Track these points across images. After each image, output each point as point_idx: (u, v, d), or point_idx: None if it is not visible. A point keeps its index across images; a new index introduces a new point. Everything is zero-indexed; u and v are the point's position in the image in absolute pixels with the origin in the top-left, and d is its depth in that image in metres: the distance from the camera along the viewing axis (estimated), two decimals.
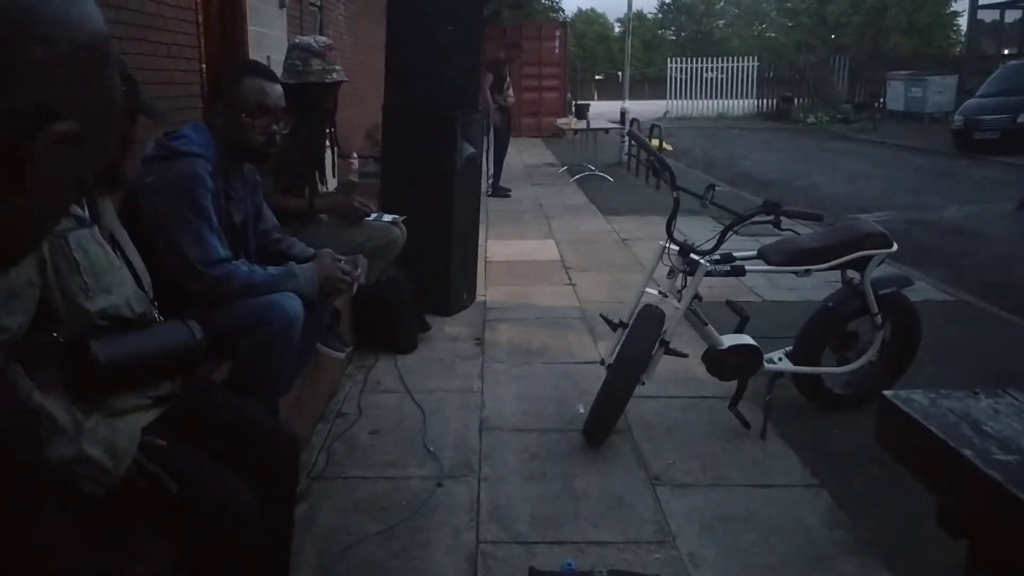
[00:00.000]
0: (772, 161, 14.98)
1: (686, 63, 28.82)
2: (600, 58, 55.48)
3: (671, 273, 3.27)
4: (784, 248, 3.35)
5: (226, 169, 2.46)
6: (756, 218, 3.14)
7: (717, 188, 3.29)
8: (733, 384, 3.36)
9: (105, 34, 0.61)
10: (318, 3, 8.18)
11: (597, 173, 11.44)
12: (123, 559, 1.65)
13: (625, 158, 12.68)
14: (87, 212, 1.72)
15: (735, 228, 3.19)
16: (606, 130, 13.10)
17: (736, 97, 28.55)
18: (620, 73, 21.94)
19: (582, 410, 3.46)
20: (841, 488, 2.89)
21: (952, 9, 43.02)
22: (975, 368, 4.09)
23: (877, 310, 3.39)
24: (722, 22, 62.39)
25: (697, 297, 3.21)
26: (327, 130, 3.76)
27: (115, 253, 1.78)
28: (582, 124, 12.94)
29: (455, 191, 4.70)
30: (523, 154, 14.48)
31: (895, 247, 3.37)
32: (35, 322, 1.50)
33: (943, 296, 5.44)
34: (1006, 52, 24.25)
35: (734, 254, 3.27)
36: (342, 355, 3.52)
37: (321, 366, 3.44)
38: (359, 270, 2.74)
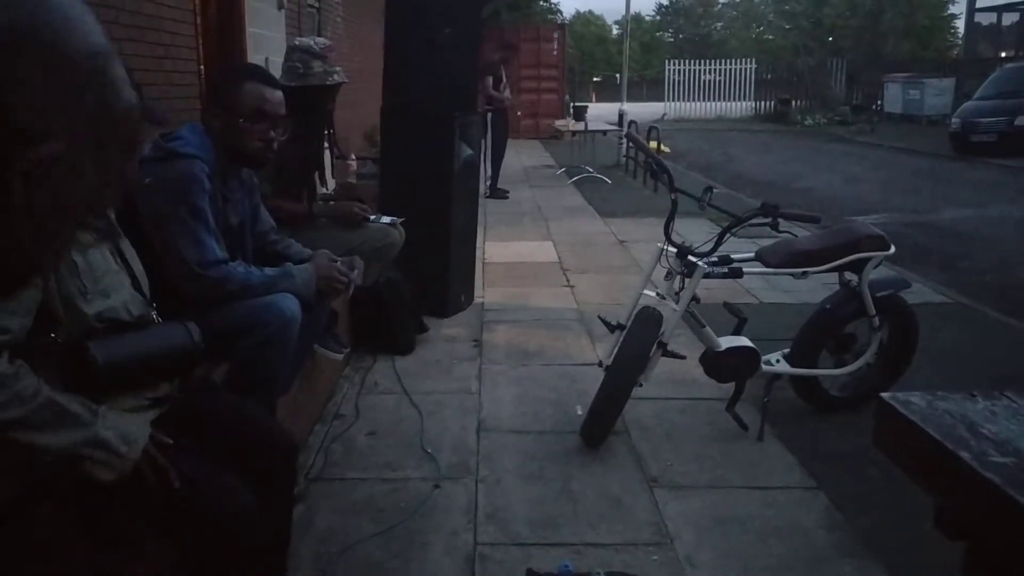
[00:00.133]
0: (770, 163, 15.00)
1: (684, 65, 28.86)
2: (598, 60, 55.56)
3: (669, 275, 3.28)
4: (782, 250, 3.36)
5: (223, 171, 2.46)
6: (754, 220, 3.14)
7: (715, 190, 3.29)
8: (731, 386, 3.36)
9: (105, 52, 0.61)
10: (316, 4, 8.18)
11: (595, 175, 11.45)
12: (123, 559, 1.65)
13: (623, 160, 12.69)
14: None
15: (733, 230, 3.19)
16: (604, 132, 13.11)
17: (734, 99, 28.59)
18: (618, 75, 21.92)
19: (580, 412, 3.46)
20: (838, 490, 2.90)
21: (950, 12, 43.13)
22: (972, 370, 4.10)
23: (874, 312, 3.40)
24: (720, 24, 62.49)
25: (695, 299, 3.21)
26: (326, 132, 3.76)
27: (113, 256, 1.78)
28: (580, 126, 12.96)
29: (453, 192, 4.70)
30: (521, 156, 14.49)
31: (892, 249, 3.37)
32: (34, 323, 1.50)
33: (940, 298, 5.44)
34: (1003, 55, 24.29)
35: (732, 256, 3.27)
36: (340, 356, 3.51)
37: (319, 367, 3.43)
38: (356, 271, 2.74)
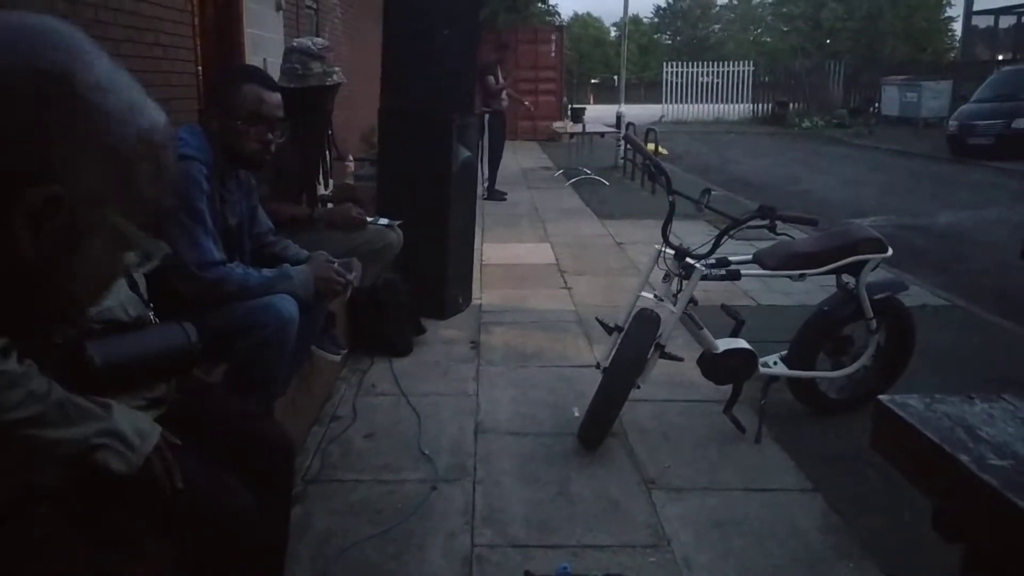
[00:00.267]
0: (767, 166, 15.03)
1: (682, 67, 28.92)
2: (596, 62, 55.63)
3: (667, 277, 3.28)
4: (779, 252, 3.36)
5: (221, 172, 2.46)
6: (751, 222, 3.14)
7: (712, 192, 3.30)
8: (728, 388, 3.36)
9: (156, 138, 0.63)
10: (314, 6, 8.18)
11: (593, 177, 11.45)
12: (123, 559, 1.65)
13: (621, 162, 12.70)
14: None
15: (730, 232, 3.19)
16: (602, 134, 13.12)
17: (731, 101, 28.64)
18: (616, 77, 21.96)
19: (577, 414, 3.45)
20: (836, 492, 2.90)
21: (947, 14, 43.24)
22: (970, 373, 4.11)
23: (872, 314, 3.40)
24: (718, 27, 62.58)
25: (692, 301, 3.21)
26: (326, 132, 3.76)
27: None
28: (578, 128, 12.96)
29: (451, 194, 4.70)
30: (519, 158, 14.49)
31: (890, 252, 3.38)
32: None
33: (938, 301, 5.45)
34: (1000, 58, 24.33)
35: (729, 258, 3.27)
36: (337, 358, 3.51)
37: (316, 369, 3.43)
38: (354, 273, 2.74)
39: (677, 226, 3.37)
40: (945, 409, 1.12)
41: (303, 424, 3.27)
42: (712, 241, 3.24)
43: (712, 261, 3.21)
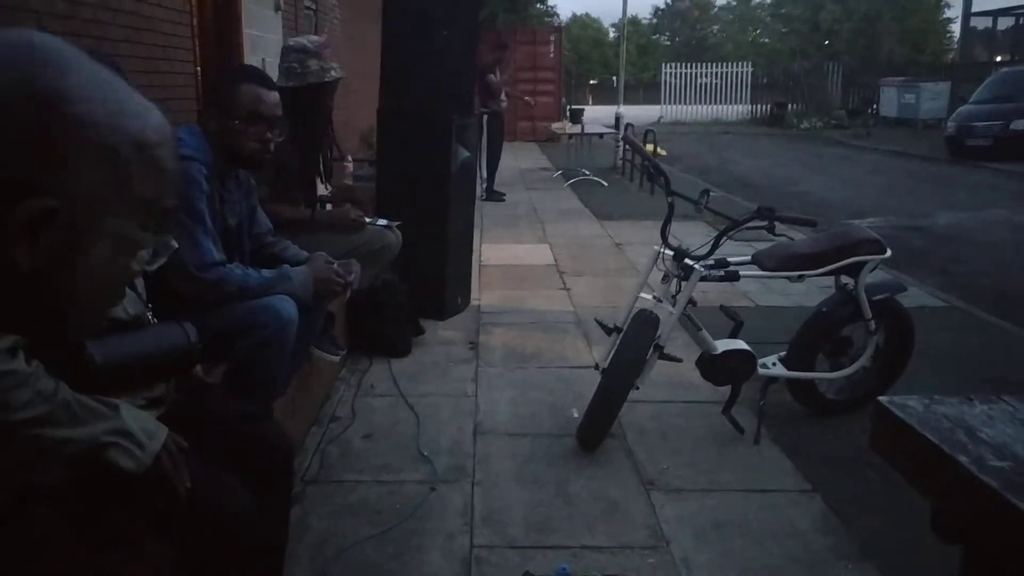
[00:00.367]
0: (766, 166, 15.04)
1: (680, 68, 28.94)
2: (595, 63, 55.65)
3: (665, 278, 3.28)
4: (778, 253, 3.36)
5: (221, 172, 2.46)
6: (750, 223, 3.14)
7: (711, 193, 3.30)
8: (727, 389, 3.36)
9: (150, 142, 0.64)
10: (313, 6, 8.18)
11: (592, 177, 11.45)
12: (123, 559, 1.65)
13: (620, 163, 12.71)
14: None
15: (729, 233, 3.20)
16: (601, 135, 13.13)
17: (730, 102, 28.66)
18: (615, 78, 21.99)
19: (576, 415, 3.45)
20: (835, 493, 2.90)
21: (945, 16, 43.30)
22: (969, 374, 4.11)
23: (871, 316, 3.40)
24: (716, 28, 62.63)
25: (691, 302, 3.21)
26: (326, 131, 3.74)
27: None
28: (577, 128, 12.97)
29: (450, 195, 4.70)
30: (518, 158, 14.49)
31: (889, 253, 3.38)
32: None
33: (936, 302, 5.46)
34: (998, 59, 24.38)
35: (728, 259, 3.27)
36: (336, 358, 3.51)
37: (315, 369, 3.43)
38: (353, 275, 2.74)
39: (676, 227, 3.37)
40: (944, 410, 1.12)
41: (302, 425, 3.27)
42: (711, 242, 3.24)
43: (711, 262, 3.21)
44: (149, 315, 1.86)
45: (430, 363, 4.16)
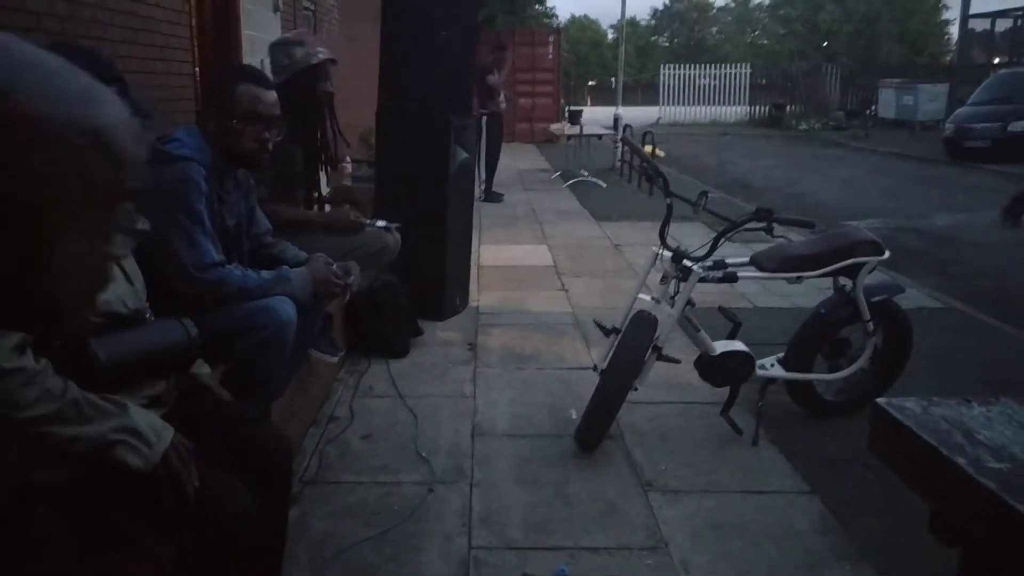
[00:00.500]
0: (764, 168, 15.04)
1: (679, 69, 28.93)
2: (593, 64, 55.65)
3: (664, 279, 3.28)
4: (776, 255, 3.36)
5: (219, 172, 2.45)
6: (749, 225, 3.15)
7: (710, 195, 3.30)
8: (725, 390, 3.36)
9: (90, 128, 0.63)
10: (312, 7, 8.18)
11: (590, 179, 11.45)
12: (123, 559, 1.65)
13: (618, 164, 12.70)
14: None
15: (728, 235, 3.20)
16: (599, 136, 13.12)
17: (729, 104, 28.65)
18: (613, 79, 22.01)
19: (575, 416, 3.45)
20: (833, 494, 2.90)
21: (944, 17, 43.36)
22: (967, 375, 4.11)
23: (869, 317, 3.40)
24: (715, 29, 62.66)
25: (690, 303, 3.22)
26: (329, 122, 3.71)
27: None
28: (575, 130, 12.95)
29: (449, 196, 4.70)
30: (516, 159, 14.49)
31: (887, 254, 3.38)
32: None
33: (934, 303, 5.46)
34: (996, 61, 24.40)
35: (727, 260, 3.27)
36: (334, 359, 3.51)
37: (313, 370, 3.43)
38: (353, 277, 2.74)
39: (674, 228, 3.37)
40: (942, 412, 1.12)
41: (300, 426, 3.27)
42: (709, 243, 3.25)
43: (709, 263, 3.21)
44: (147, 311, 1.87)
45: (428, 364, 4.16)
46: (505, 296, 5.49)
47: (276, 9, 6.68)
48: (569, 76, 34.62)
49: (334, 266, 2.69)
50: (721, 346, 3.31)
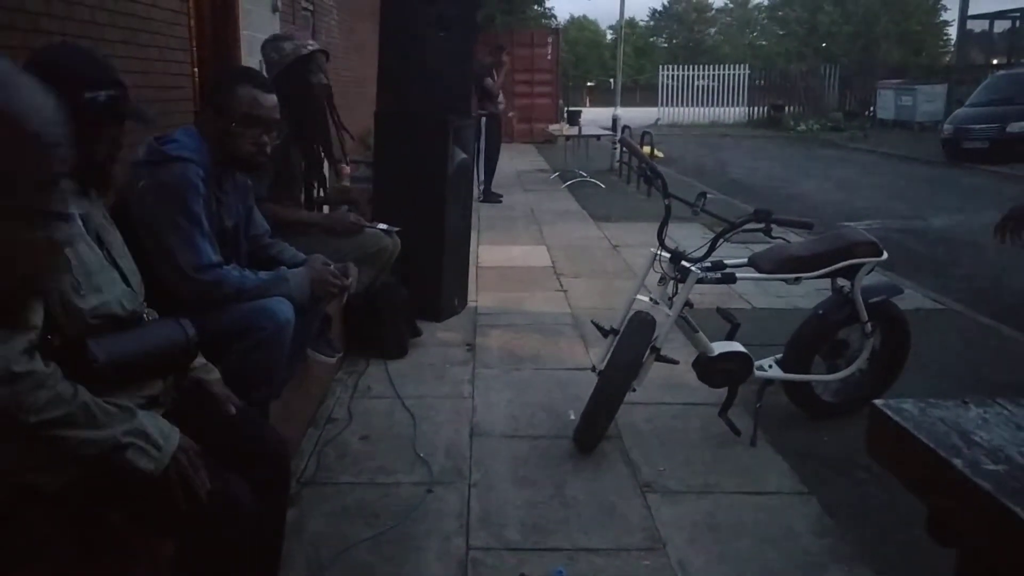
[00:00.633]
0: (763, 169, 15.05)
1: (678, 70, 28.98)
2: (592, 65, 55.69)
3: (662, 280, 3.28)
4: (775, 256, 3.36)
5: (218, 173, 2.45)
6: (747, 226, 3.15)
7: (708, 196, 3.30)
8: (723, 391, 3.36)
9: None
10: (310, 7, 8.17)
11: (589, 179, 11.46)
12: (123, 559, 1.65)
13: (617, 165, 12.71)
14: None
15: (726, 236, 3.20)
16: (598, 137, 13.12)
17: (727, 105, 28.68)
18: (612, 80, 22.01)
19: (573, 416, 3.45)
20: (831, 496, 2.90)
21: (942, 18, 43.40)
22: (964, 376, 4.12)
23: (867, 318, 3.40)
24: (714, 30, 62.67)
25: (688, 304, 3.22)
26: (330, 117, 3.70)
27: (103, 254, 1.78)
28: (574, 130, 12.96)
29: (447, 196, 4.70)
30: (515, 160, 14.49)
31: (885, 255, 3.38)
32: None
33: (932, 305, 5.46)
34: (995, 62, 24.44)
35: (725, 261, 3.27)
36: (332, 360, 3.51)
37: (311, 371, 3.43)
38: (351, 278, 2.74)
39: (673, 229, 3.38)
40: (940, 414, 1.13)
41: (299, 426, 3.26)
42: (708, 244, 3.25)
43: (708, 264, 3.21)
44: (145, 313, 1.87)
45: (427, 365, 4.16)
46: (503, 297, 5.49)
47: (275, 9, 6.68)
48: (568, 77, 34.65)
49: (332, 267, 2.69)
50: (719, 347, 3.32)
